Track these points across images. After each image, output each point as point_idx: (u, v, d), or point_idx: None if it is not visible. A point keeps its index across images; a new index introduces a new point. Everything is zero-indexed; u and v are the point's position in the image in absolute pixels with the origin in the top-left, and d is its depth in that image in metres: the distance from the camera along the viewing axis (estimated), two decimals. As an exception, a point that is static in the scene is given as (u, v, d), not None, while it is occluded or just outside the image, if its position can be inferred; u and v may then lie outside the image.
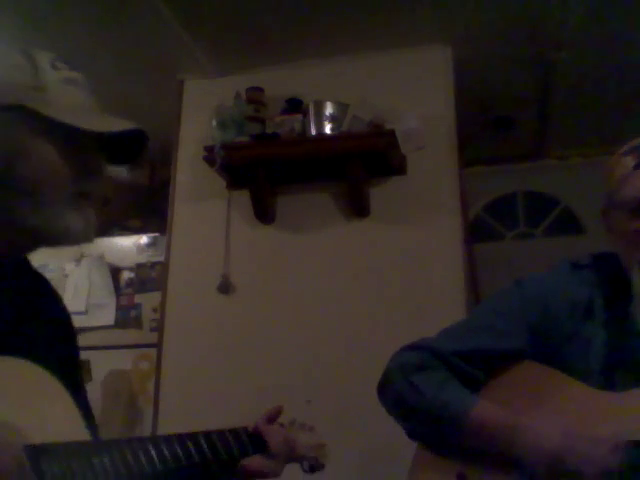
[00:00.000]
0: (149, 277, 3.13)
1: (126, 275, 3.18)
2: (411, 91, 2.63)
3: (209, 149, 2.53)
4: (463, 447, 1.17)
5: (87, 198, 0.91)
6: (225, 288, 2.58)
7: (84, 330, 3.00)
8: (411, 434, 1.26)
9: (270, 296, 2.56)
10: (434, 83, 2.65)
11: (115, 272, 3.18)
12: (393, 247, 2.51)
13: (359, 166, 2.47)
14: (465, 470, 1.16)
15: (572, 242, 3.49)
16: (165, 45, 2.65)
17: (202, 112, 2.74)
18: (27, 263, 0.97)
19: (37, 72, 0.87)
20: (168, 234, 2.76)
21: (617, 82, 2.91)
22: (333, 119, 2.47)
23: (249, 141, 2.53)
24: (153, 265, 3.13)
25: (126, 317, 3.10)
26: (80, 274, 3.17)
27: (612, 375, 1.12)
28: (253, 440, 1.07)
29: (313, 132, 2.49)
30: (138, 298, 3.13)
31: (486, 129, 3.33)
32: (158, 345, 2.64)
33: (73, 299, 3.08)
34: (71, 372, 0.91)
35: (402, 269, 2.47)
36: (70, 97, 0.89)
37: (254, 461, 1.05)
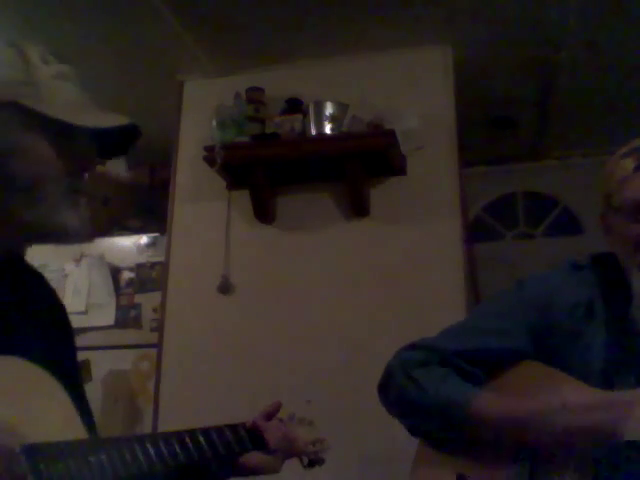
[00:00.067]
0: (149, 277, 3.13)
1: (126, 275, 3.18)
2: (411, 91, 2.63)
3: (209, 149, 2.53)
4: (466, 440, 1.16)
5: (81, 193, 0.91)
6: (225, 288, 2.58)
7: (84, 330, 3.01)
8: (413, 431, 1.26)
9: (270, 296, 2.56)
10: (434, 83, 2.65)
11: (115, 272, 3.18)
12: (393, 247, 2.51)
13: (359, 166, 2.47)
14: (465, 469, 1.16)
15: (572, 242, 3.49)
16: (165, 45, 2.65)
17: (202, 112, 2.74)
18: (22, 260, 0.97)
19: (28, 67, 0.87)
20: (168, 234, 2.76)
21: (617, 82, 2.91)
22: (333, 119, 2.47)
23: (249, 141, 2.54)
24: (153, 265, 3.13)
25: (126, 317, 3.10)
26: (80, 274, 3.18)
27: (612, 375, 1.12)
28: (252, 436, 1.06)
29: (313, 132, 2.49)
30: (138, 298, 3.13)
31: (486, 129, 3.33)
32: (158, 345, 2.64)
33: (73, 299, 3.08)
34: (69, 370, 0.90)
35: (402, 269, 2.47)
36: (62, 92, 0.89)
37: (253, 457, 1.05)
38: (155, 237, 3.17)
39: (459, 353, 1.22)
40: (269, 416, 1.14)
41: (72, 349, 1.00)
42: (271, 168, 2.55)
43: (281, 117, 2.56)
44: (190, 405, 2.44)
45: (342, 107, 2.50)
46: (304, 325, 2.49)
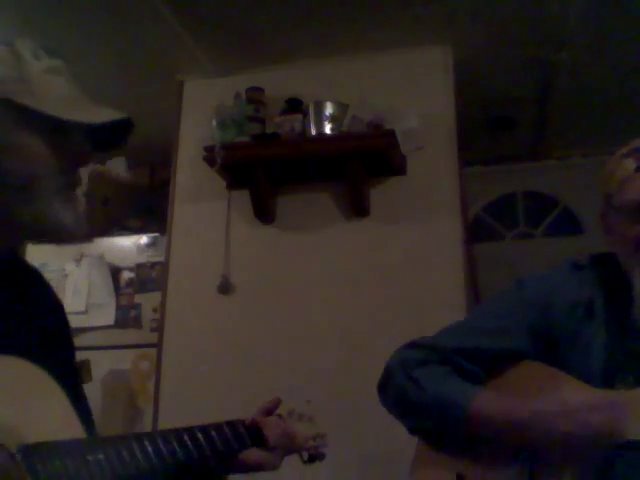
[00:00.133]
0: (149, 277, 3.12)
1: (126, 275, 3.17)
2: (411, 91, 2.63)
3: (209, 149, 2.53)
4: (466, 441, 1.16)
5: (76, 189, 0.91)
6: (225, 288, 2.58)
7: (84, 330, 3.00)
8: (413, 430, 1.26)
9: (270, 296, 2.56)
10: (434, 83, 2.65)
11: (115, 272, 3.18)
12: (393, 247, 2.51)
13: (359, 166, 2.47)
14: (465, 469, 1.16)
15: (572, 242, 3.49)
16: (165, 45, 2.65)
17: (202, 112, 2.74)
18: (19, 258, 0.97)
19: (20, 64, 0.87)
20: (168, 234, 2.76)
21: (617, 82, 2.91)
22: (333, 119, 2.47)
23: (249, 141, 2.54)
24: (153, 265, 3.12)
25: (126, 317, 3.10)
26: (80, 274, 3.17)
27: (612, 375, 1.12)
28: (251, 433, 1.06)
29: (313, 132, 2.49)
30: (138, 298, 3.12)
31: (486, 129, 3.33)
32: (158, 345, 2.64)
33: (73, 299, 3.08)
34: (67, 370, 0.90)
35: (402, 269, 2.47)
36: (54, 87, 0.88)
37: (252, 454, 1.05)
38: (155, 237, 3.16)
39: (459, 351, 1.22)
40: (268, 412, 1.14)
41: (71, 348, 1.00)
42: (271, 168, 2.55)
43: (281, 117, 2.56)
44: (190, 405, 2.43)
45: (342, 107, 2.50)
46: (304, 325, 2.49)
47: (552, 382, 1.16)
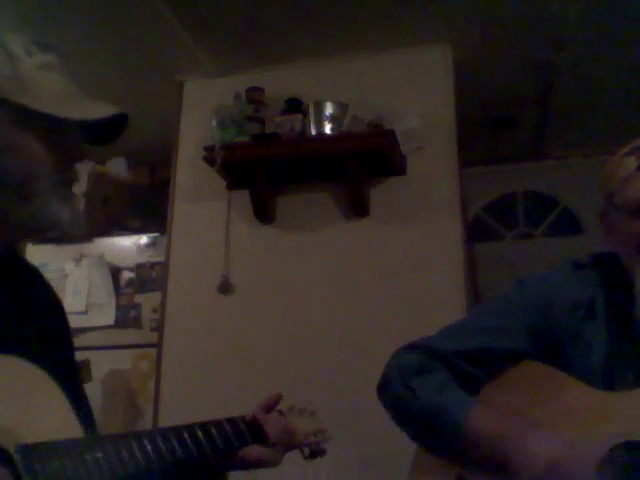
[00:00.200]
0: (149, 277, 3.12)
1: (126, 275, 3.17)
2: (411, 91, 2.63)
3: (209, 149, 2.53)
4: (462, 451, 1.16)
5: (71, 186, 0.91)
6: (225, 288, 2.57)
7: (84, 330, 3.00)
8: (411, 437, 1.26)
9: (270, 296, 2.56)
10: (434, 83, 2.65)
11: (115, 272, 3.18)
12: (393, 247, 2.51)
13: (359, 166, 2.47)
14: (464, 473, 1.15)
15: (572, 242, 3.49)
16: (165, 45, 2.65)
17: (202, 112, 2.74)
18: (18, 257, 0.97)
19: (12, 61, 0.85)
20: (168, 234, 2.76)
21: (617, 82, 2.91)
22: (333, 119, 2.47)
23: (249, 141, 2.54)
24: (153, 265, 3.12)
25: (126, 317, 3.10)
26: (80, 274, 3.17)
27: (613, 375, 1.12)
28: (251, 429, 1.05)
29: (313, 132, 2.49)
30: (138, 298, 3.12)
31: (486, 129, 3.33)
32: (158, 345, 2.64)
33: (73, 299, 3.07)
34: (66, 369, 0.89)
35: (402, 269, 2.47)
36: (47, 83, 0.87)
37: (253, 451, 1.04)
38: (155, 237, 3.17)
39: (459, 353, 1.21)
40: (269, 408, 1.14)
41: (70, 348, 0.99)
42: (271, 168, 2.55)
43: (281, 117, 2.56)
44: (190, 405, 2.43)
45: (342, 107, 2.50)
46: (304, 325, 2.49)
47: (552, 382, 1.16)
